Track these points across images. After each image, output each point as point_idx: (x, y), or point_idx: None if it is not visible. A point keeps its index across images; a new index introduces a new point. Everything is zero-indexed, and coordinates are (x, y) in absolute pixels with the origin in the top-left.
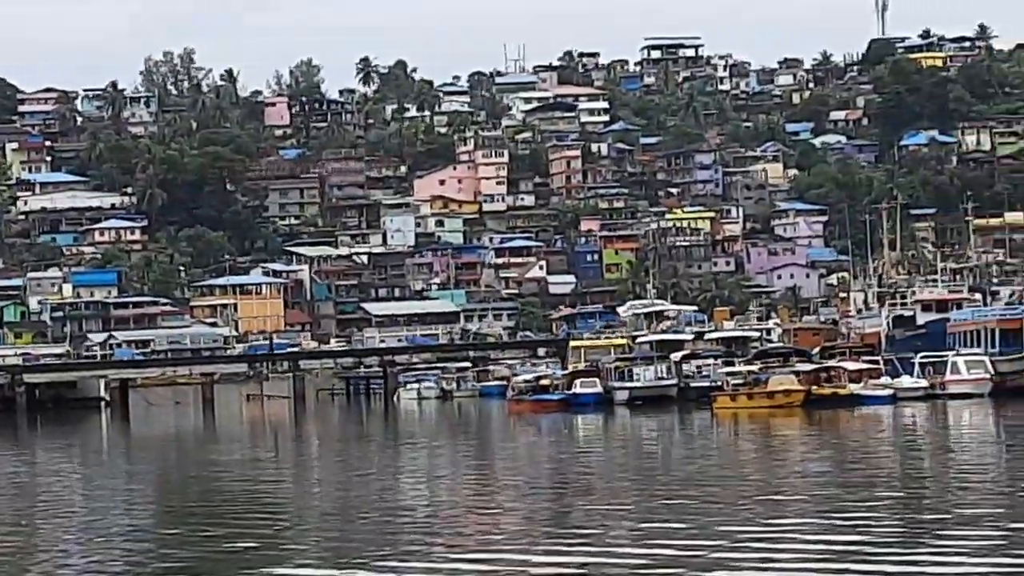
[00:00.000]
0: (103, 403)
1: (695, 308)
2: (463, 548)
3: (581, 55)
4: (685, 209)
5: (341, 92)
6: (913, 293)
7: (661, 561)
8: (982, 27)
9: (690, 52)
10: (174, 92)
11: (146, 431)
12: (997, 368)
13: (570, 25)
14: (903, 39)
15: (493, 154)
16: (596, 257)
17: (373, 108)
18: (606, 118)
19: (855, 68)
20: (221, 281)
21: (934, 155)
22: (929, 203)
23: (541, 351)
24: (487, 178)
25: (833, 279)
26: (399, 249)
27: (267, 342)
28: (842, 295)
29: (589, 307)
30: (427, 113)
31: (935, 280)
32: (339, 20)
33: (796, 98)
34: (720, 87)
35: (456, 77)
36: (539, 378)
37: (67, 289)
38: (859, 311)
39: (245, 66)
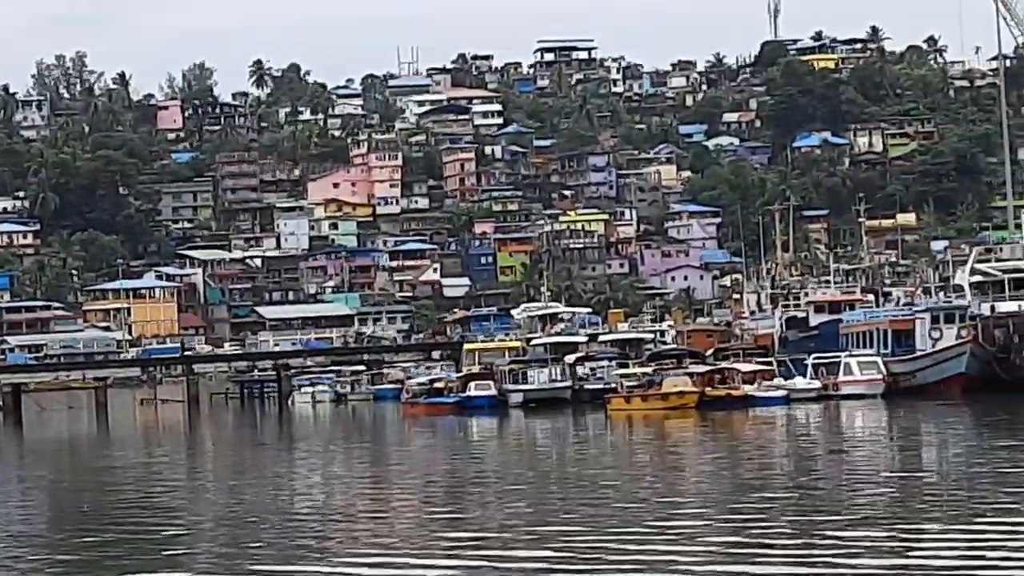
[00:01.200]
0: None
1: (589, 310)
2: (358, 552)
3: (474, 58)
4: (579, 211)
5: (234, 95)
6: (806, 294)
7: (557, 563)
8: (874, 29)
9: (583, 55)
10: (66, 96)
11: (39, 436)
12: (889, 369)
13: (463, 28)
14: (795, 41)
15: (387, 157)
16: (490, 259)
17: (266, 111)
18: (500, 120)
19: (748, 70)
20: (114, 285)
21: (826, 157)
22: (821, 204)
23: (435, 354)
24: (381, 181)
25: (726, 281)
26: (293, 252)
27: (161, 346)
28: (735, 297)
29: (483, 310)
30: (320, 116)
31: (828, 281)
32: (232, 23)
33: (689, 100)
34: (613, 89)
35: (349, 80)
36: (433, 381)
37: None
38: (752, 313)
39: (137, 69)
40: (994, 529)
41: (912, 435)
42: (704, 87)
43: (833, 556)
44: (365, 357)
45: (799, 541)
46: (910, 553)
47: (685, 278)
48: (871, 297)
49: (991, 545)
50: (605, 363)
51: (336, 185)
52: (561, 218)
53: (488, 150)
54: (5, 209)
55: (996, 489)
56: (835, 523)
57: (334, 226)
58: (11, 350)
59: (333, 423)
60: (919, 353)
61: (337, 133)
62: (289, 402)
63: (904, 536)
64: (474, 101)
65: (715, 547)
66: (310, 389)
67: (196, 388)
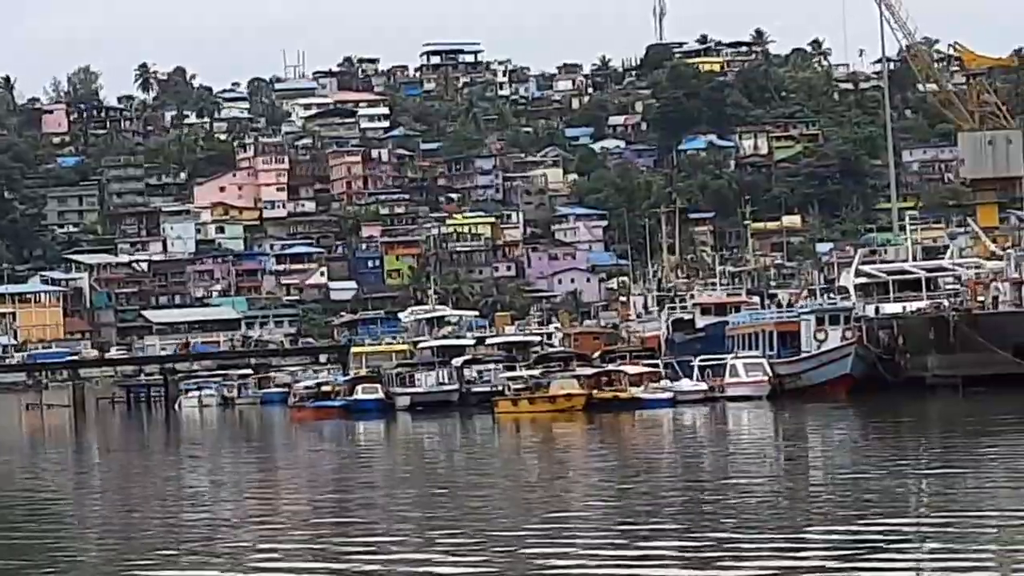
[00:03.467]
0: None
1: (476, 313)
2: (245, 558)
3: (361, 61)
4: (466, 214)
5: (120, 99)
6: (692, 297)
7: (442, 569)
8: (759, 32)
9: (469, 58)
10: None
11: None
12: (775, 371)
13: (350, 31)
14: (681, 44)
15: (273, 160)
16: (377, 263)
17: (152, 115)
18: (386, 124)
19: (634, 73)
20: None
21: (712, 159)
22: (707, 207)
23: (323, 357)
24: (267, 184)
25: (613, 283)
26: (179, 256)
27: (47, 351)
28: (622, 299)
29: (370, 313)
30: (207, 119)
31: (714, 284)
32: (117, 27)
33: (575, 103)
34: (500, 93)
35: (236, 83)
36: (321, 385)
37: None
38: (639, 315)
39: (22, 73)
40: (877, 529)
41: (797, 436)
42: (590, 90)
43: (720, 557)
44: (252, 361)
45: (686, 542)
46: (795, 554)
47: (572, 281)
48: (757, 299)
49: (874, 546)
50: (492, 366)
51: (222, 189)
52: (448, 221)
53: (375, 153)
54: None
55: (880, 490)
56: (722, 525)
57: (220, 230)
58: None
59: (220, 427)
60: (804, 355)
61: (223, 137)
62: (176, 406)
63: (789, 537)
64: (360, 104)
65: (602, 550)
66: (197, 393)
67: (82, 393)
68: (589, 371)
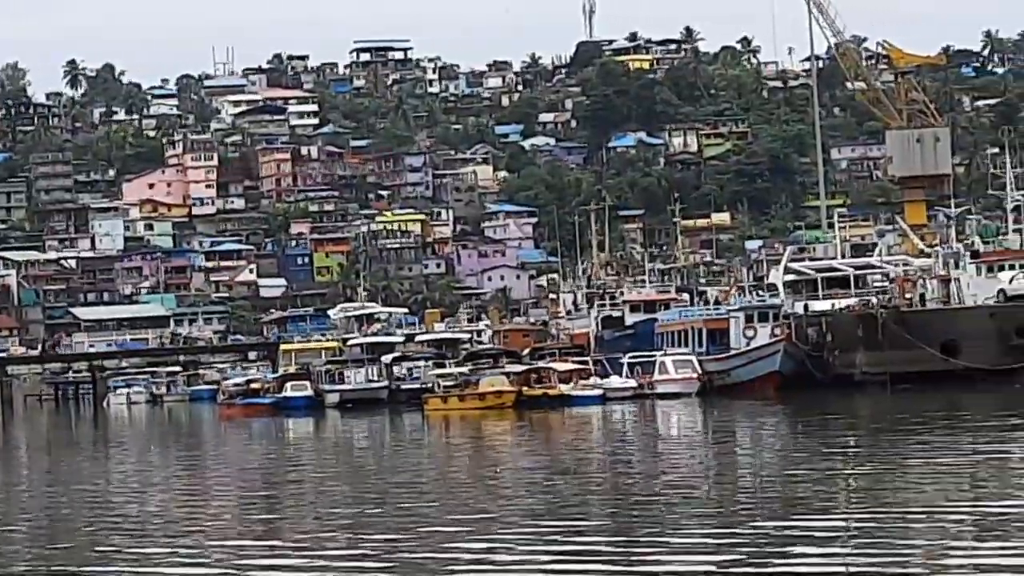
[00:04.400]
0: None
1: (406, 310)
2: (174, 555)
3: (290, 58)
4: (395, 211)
5: (48, 95)
6: (621, 294)
7: (371, 563)
8: (688, 30)
9: (399, 55)
10: None
11: None
12: (704, 367)
13: (279, 28)
14: (611, 42)
15: (202, 157)
16: (307, 260)
17: (81, 111)
18: (316, 121)
19: (563, 71)
20: None
21: (641, 157)
22: (637, 204)
23: (252, 355)
24: (196, 181)
25: (543, 280)
26: (108, 253)
27: None
28: (552, 296)
29: (300, 310)
30: (135, 116)
31: (643, 281)
32: (45, 23)
33: (505, 100)
34: (430, 90)
35: (165, 80)
36: (250, 382)
37: None
38: (568, 312)
39: None
40: (807, 526)
41: (726, 433)
42: (520, 87)
43: (650, 554)
44: (181, 358)
45: (616, 539)
46: (724, 550)
47: (502, 278)
48: (686, 296)
49: (804, 540)
50: (422, 363)
51: (151, 186)
52: (378, 218)
53: (304, 150)
54: None
55: (809, 486)
56: (651, 522)
57: (149, 227)
58: None
59: (149, 425)
60: (733, 352)
61: (152, 133)
62: (104, 404)
63: (718, 533)
64: (290, 101)
65: (531, 546)
66: (125, 390)
67: (10, 390)
68: (519, 368)
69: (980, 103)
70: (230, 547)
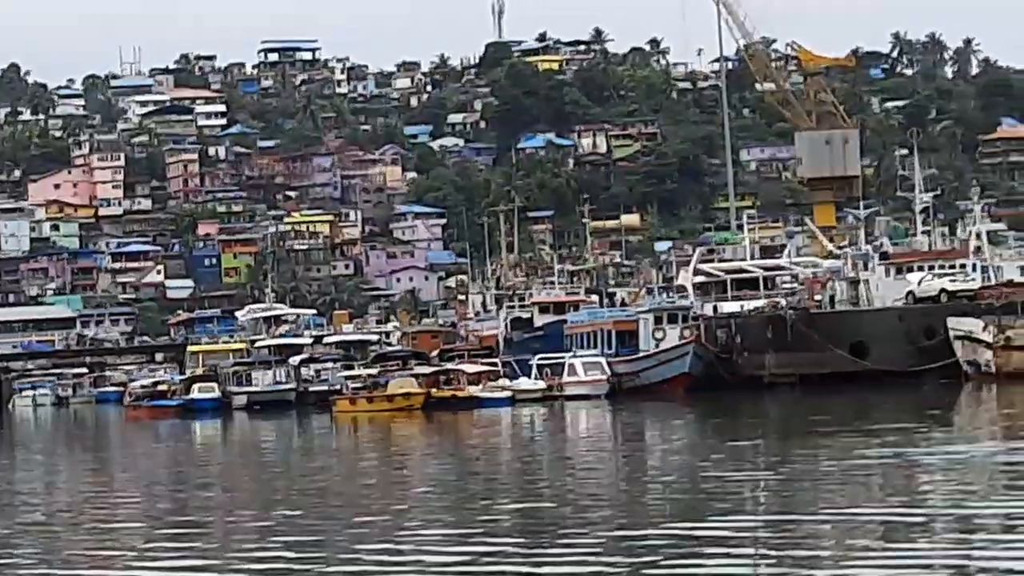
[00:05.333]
0: None
1: (314, 312)
2: (79, 561)
3: (198, 58)
4: (303, 212)
5: None
6: (531, 295)
7: (278, 565)
8: (597, 31)
9: (307, 55)
10: None
11: None
12: (613, 369)
13: (186, 28)
14: (520, 42)
15: (109, 158)
16: (214, 261)
17: None
18: (223, 121)
19: (472, 71)
20: None
21: (551, 158)
22: (546, 205)
23: (159, 356)
24: (103, 182)
25: (452, 282)
26: (13, 254)
27: None
28: (461, 298)
29: (207, 311)
30: (41, 116)
31: (552, 282)
32: None
33: (414, 101)
34: (338, 90)
35: (71, 80)
36: (156, 384)
37: None
38: (477, 313)
39: None
40: (714, 528)
41: (635, 435)
42: (429, 88)
43: (561, 559)
44: (87, 360)
45: (523, 542)
46: (634, 553)
47: (410, 279)
48: (595, 298)
49: (713, 543)
50: (330, 364)
51: (57, 186)
52: (286, 219)
53: (212, 151)
54: None
55: (718, 488)
56: (559, 524)
57: (55, 227)
58: None
59: (54, 427)
60: (643, 354)
61: (58, 134)
62: (9, 406)
63: (627, 536)
64: (197, 102)
65: (438, 547)
66: (31, 392)
67: None
68: (427, 370)
69: (889, 104)
70: (136, 550)
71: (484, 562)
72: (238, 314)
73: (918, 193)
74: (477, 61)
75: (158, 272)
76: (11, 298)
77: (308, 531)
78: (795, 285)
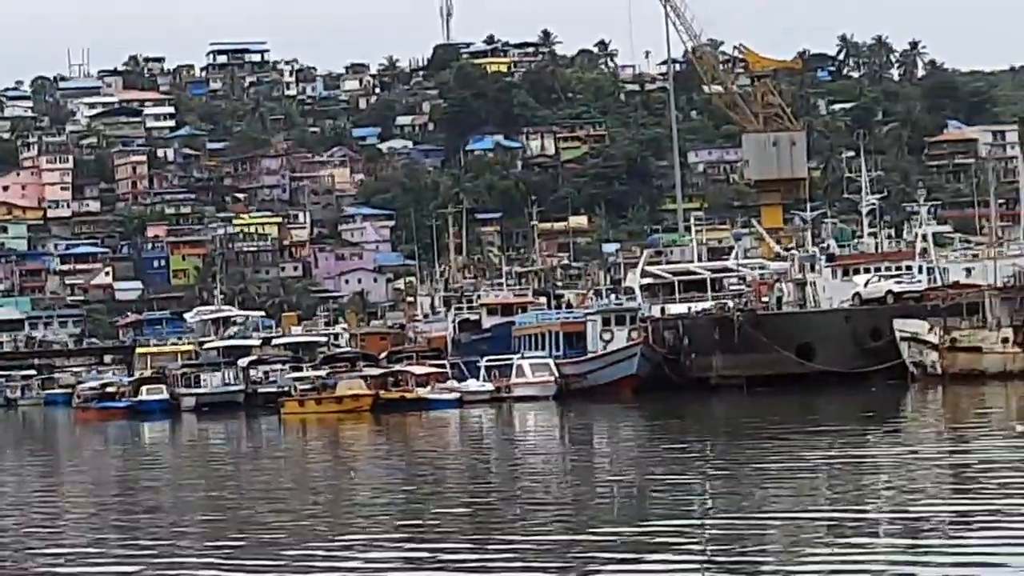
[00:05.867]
0: None
1: (262, 313)
2: (26, 565)
3: (146, 60)
4: (252, 214)
5: None
6: (479, 297)
7: (223, 573)
8: (546, 33)
9: (256, 57)
10: None
11: None
12: (561, 371)
13: (135, 30)
14: (468, 44)
15: (57, 159)
16: (163, 263)
17: None
18: (172, 123)
19: (421, 73)
20: None
21: (499, 160)
22: (494, 207)
23: (108, 358)
24: (51, 184)
25: (400, 283)
26: None
27: None
28: (409, 299)
29: (156, 313)
30: None
31: (500, 284)
32: None
33: (363, 103)
34: (286, 92)
35: (19, 82)
36: (105, 385)
37: None
38: (426, 315)
39: None
40: (662, 530)
41: (583, 437)
42: (377, 90)
43: (507, 561)
44: (36, 362)
45: (472, 544)
46: (581, 555)
47: (359, 281)
48: (543, 299)
49: (660, 545)
50: (279, 366)
51: (5, 188)
52: (234, 221)
53: (160, 153)
54: None
55: (665, 490)
56: (507, 526)
57: (3, 229)
58: None
59: (2, 429)
60: (591, 355)
61: (6, 136)
62: None
63: (574, 539)
64: (146, 104)
65: (386, 556)
66: None
67: None
68: (376, 371)
69: (836, 107)
70: (81, 552)
71: (432, 564)
72: (187, 316)
73: (865, 195)
74: (425, 63)
75: (106, 274)
76: None
77: (254, 533)
78: (742, 287)
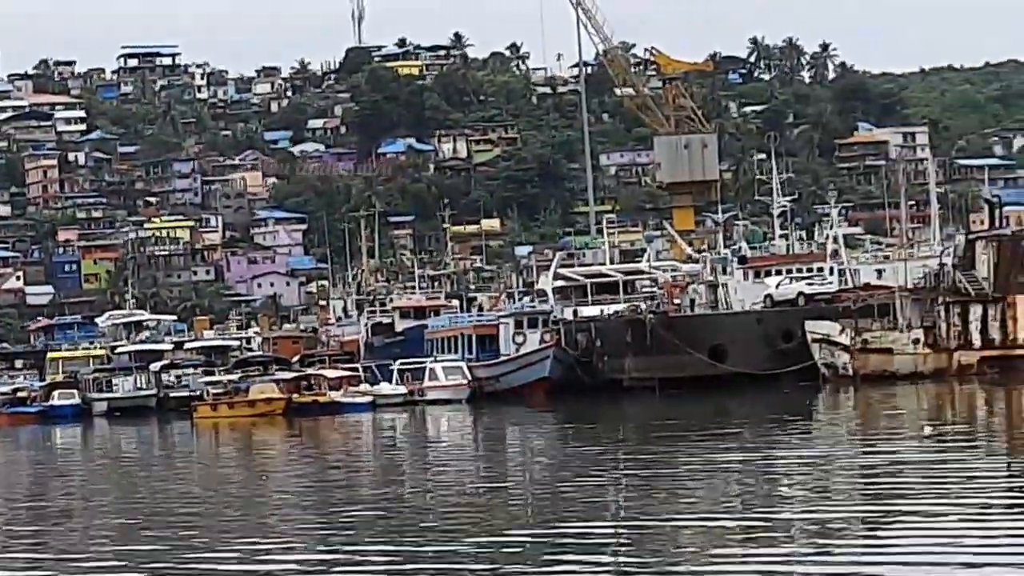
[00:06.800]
0: None
1: (175, 318)
2: None
3: (57, 63)
4: (164, 218)
5: None
6: (391, 300)
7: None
8: (457, 36)
9: (167, 60)
10: None
11: None
12: (474, 374)
13: (45, 33)
14: (380, 48)
15: None
16: (74, 267)
17: None
18: (83, 127)
19: (333, 77)
20: None
21: (412, 163)
22: (407, 210)
23: (19, 363)
24: None
25: (313, 287)
26: None
27: None
28: (322, 303)
29: (68, 318)
30: None
31: (413, 287)
32: None
33: (274, 107)
34: (198, 96)
35: None
36: (16, 390)
37: None
38: (339, 319)
39: None
40: (575, 532)
41: (496, 440)
42: (289, 93)
43: (421, 564)
44: None
45: (384, 548)
46: (494, 558)
47: (272, 285)
48: (456, 302)
49: (574, 547)
50: (191, 370)
51: None
52: (146, 225)
53: (72, 157)
54: None
55: (578, 493)
56: (421, 530)
57: None
58: None
59: None
60: (503, 358)
61: None
62: None
63: (488, 541)
64: (57, 107)
65: (301, 560)
66: None
67: None
68: (288, 375)
69: (747, 109)
70: None
71: (345, 567)
72: (99, 320)
73: (776, 197)
74: (337, 66)
75: (17, 278)
76: None
77: (166, 537)
78: (655, 289)
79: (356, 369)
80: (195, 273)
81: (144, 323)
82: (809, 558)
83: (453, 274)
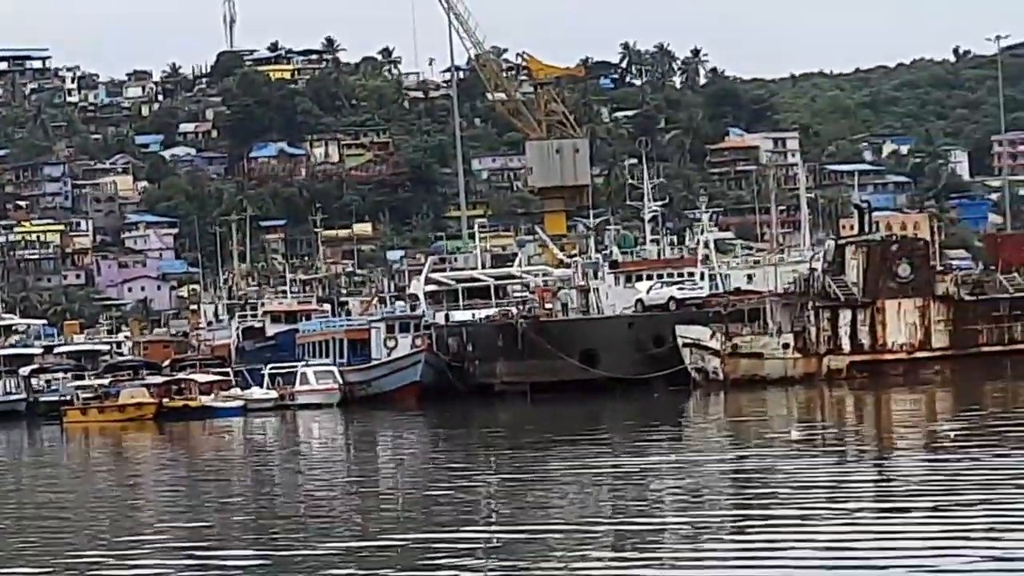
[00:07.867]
0: None
1: (45, 322)
2: None
3: None
4: (34, 222)
5: None
6: (263, 304)
7: None
8: (329, 40)
9: (37, 64)
10: None
11: None
12: (345, 378)
13: None
14: (252, 51)
15: None
16: None
17: None
18: None
19: (204, 81)
20: None
21: (283, 167)
22: (279, 215)
23: None
24: None
25: (184, 291)
26: None
27: None
28: (193, 307)
29: None
30: None
31: (284, 291)
32: None
33: (146, 110)
34: (68, 99)
35: None
36: None
37: None
38: (210, 323)
39: None
40: (445, 539)
41: (366, 445)
42: (160, 97)
43: (294, 570)
44: None
45: (257, 552)
46: (365, 566)
47: (142, 289)
48: (327, 307)
49: (444, 553)
50: (61, 375)
51: None
52: (16, 229)
53: None
54: None
55: (448, 498)
56: (291, 534)
57: None
58: None
59: None
60: (374, 362)
61: None
62: None
63: (359, 548)
64: None
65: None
66: None
67: None
68: (159, 380)
69: (618, 114)
70: None
71: (215, 572)
72: None
73: (647, 202)
74: (209, 70)
75: None
76: None
77: (36, 541)
78: (526, 294)
79: (227, 373)
80: (65, 277)
81: (13, 327)
82: (679, 562)
83: (325, 278)
